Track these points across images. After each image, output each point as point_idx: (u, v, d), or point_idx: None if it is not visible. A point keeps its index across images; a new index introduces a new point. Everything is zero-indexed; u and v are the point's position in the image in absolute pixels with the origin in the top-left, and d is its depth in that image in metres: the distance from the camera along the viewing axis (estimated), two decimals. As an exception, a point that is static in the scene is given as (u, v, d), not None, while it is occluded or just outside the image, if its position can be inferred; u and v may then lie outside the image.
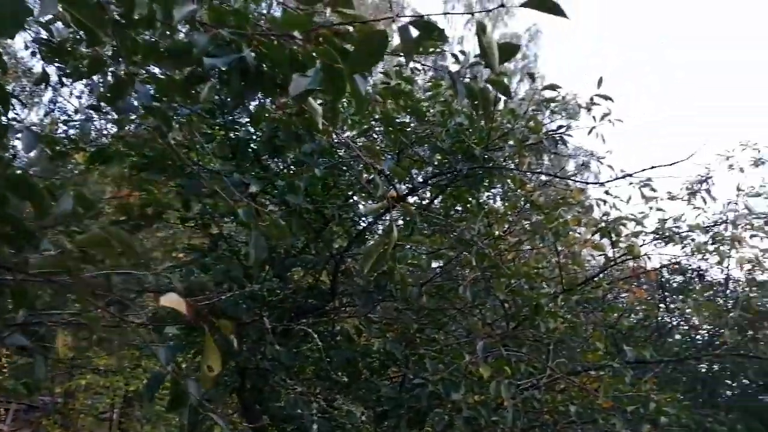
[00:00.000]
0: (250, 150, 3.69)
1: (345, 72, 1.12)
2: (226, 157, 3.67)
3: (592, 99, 3.44)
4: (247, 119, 3.36)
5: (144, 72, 1.86)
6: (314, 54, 1.26)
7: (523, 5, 1.05)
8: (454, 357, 3.38)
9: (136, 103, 1.75)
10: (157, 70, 2.28)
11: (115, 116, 2.61)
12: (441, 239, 4.09)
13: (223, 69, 1.44)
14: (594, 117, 3.50)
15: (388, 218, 1.91)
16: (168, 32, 1.59)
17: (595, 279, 4.75)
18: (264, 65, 1.48)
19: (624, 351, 4.33)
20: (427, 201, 4.27)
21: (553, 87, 3.10)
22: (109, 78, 2.03)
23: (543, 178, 3.99)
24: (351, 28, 1.32)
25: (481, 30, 1.12)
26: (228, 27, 1.39)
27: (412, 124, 3.60)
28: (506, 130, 3.17)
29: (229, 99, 3.22)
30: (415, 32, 1.08)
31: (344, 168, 3.86)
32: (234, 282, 3.68)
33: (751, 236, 5.50)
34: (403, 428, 3.24)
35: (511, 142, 3.22)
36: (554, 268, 4.60)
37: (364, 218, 4.18)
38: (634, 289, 5.34)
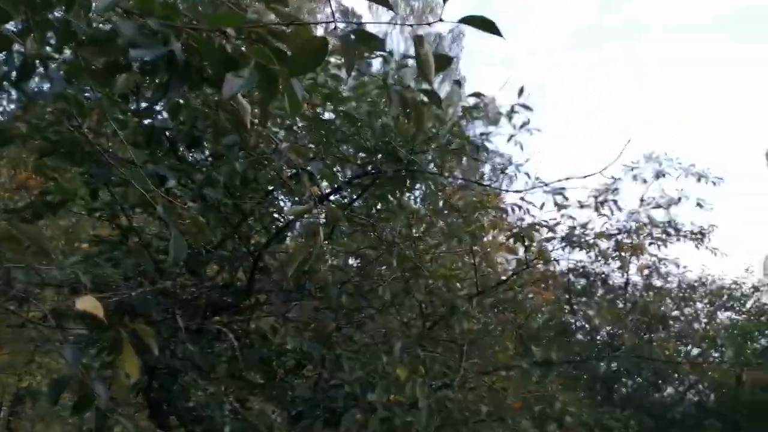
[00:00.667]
0: (165, 139, 3.53)
1: (282, 75, 1.09)
2: (140, 146, 3.49)
3: (512, 108, 3.56)
4: (165, 108, 3.22)
5: (58, 56, 1.73)
6: (248, 52, 1.22)
7: (460, 21, 1.07)
8: (371, 357, 3.39)
9: (47, 87, 1.63)
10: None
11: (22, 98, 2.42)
12: (362, 238, 4.10)
13: (148, 60, 1.37)
14: (514, 125, 3.62)
15: (313, 220, 1.89)
16: (87, 16, 1.50)
17: (508, 281, 4.92)
18: (193, 59, 1.42)
19: (531, 351, 4.52)
20: (348, 200, 4.27)
21: (477, 95, 3.19)
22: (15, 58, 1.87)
23: (463, 182, 4.09)
24: (286, 29, 1.29)
25: (418, 43, 1.12)
26: (156, 17, 1.32)
27: (337, 122, 3.58)
28: (431, 135, 3.22)
29: (147, 86, 3.07)
30: (354, 41, 1.07)
31: (265, 162, 3.78)
32: (145, 277, 3.52)
33: (650, 244, 5.90)
34: (318, 429, 3.22)
35: (435, 146, 3.28)
36: (470, 270, 4.73)
37: (285, 215, 4.12)
38: (542, 291, 5.58)
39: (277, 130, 3.55)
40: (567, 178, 3.22)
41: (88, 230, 5.62)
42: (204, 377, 3.65)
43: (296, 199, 3.75)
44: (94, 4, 1.51)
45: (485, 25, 1.09)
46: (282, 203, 4.42)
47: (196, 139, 3.40)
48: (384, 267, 4.08)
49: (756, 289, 12.19)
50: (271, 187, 4.06)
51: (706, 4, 35.92)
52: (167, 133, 3.52)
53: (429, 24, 1.19)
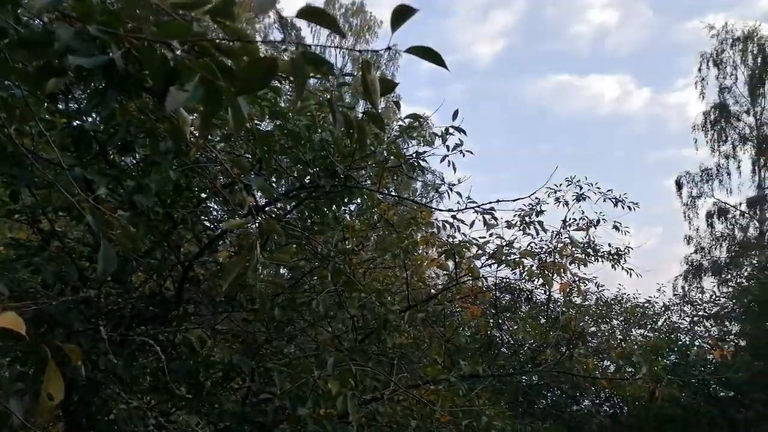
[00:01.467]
0: (95, 143, 3.41)
1: (228, 93, 1.09)
2: (67, 148, 3.35)
3: (447, 129, 3.66)
4: (98, 113, 3.11)
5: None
6: (193, 66, 1.22)
7: (407, 51, 1.11)
8: (302, 370, 3.38)
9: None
10: None
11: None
12: (297, 251, 4.09)
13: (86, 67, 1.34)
14: (448, 146, 3.73)
15: (250, 233, 1.88)
16: (16, 14, 1.45)
17: (438, 296, 5.03)
18: (133, 68, 1.40)
19: (459, 365, 4.62)
20: (284, 212, 4.24)
21: (415, 117, 3.27)
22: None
23: (398, 198, 4.16)
24: (234, 44, 1.29)
25: (365, 68, 1.16)
26: (96, 23, 1.30)
27: (276, 134, 3.56)
28: (369, 152, 3.26)
29: (78, 87, 2.97)
30: (304, 64, 1.09)
31: (199, 170, 3.71)
32: (66, 285, 3.38)
33: (571, 263, 6.17)
34: (246, 444, 3.17)
35: (372, 163, 3.32)
36: (402, 284, 4.80)
37: (218, 225, 4.05)
38: (470, 306, 5.73)
39: (216, 138, 3.50)
40: (497, 201, 3.35)
41: (5, 233, 5.32)
42: (127, 390, 3.52)
43: (230, 208, 3.69)
44: (25, 1, 1.47)
45: (430, 55, 1.14)
46: (216, 212, 4.35)
47: (128, 143, 3.30)
48: (317, 279, 4.07)
49: (666, 307, 12.96)
50: (204, 195, 3.98)
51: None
52: (97, 137, 3.40)
53: (377, 51, 1.22)
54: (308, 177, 3.52)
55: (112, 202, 3.62)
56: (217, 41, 1.32)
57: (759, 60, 22.38)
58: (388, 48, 1.06)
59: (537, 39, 39.91)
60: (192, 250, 3.97)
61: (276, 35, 23.33)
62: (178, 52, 1.31)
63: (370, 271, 4.91)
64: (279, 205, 4.21)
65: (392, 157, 3.36)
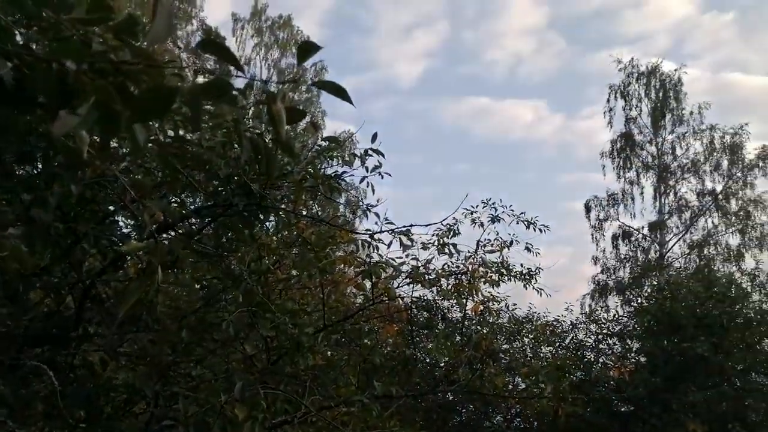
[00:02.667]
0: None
1: (125, 118, 1.05)
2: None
3: (366, 151, 3.70)
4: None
5: None
6: (88, 88, 1.16)
7: (314, 85, 1.11)
8: (209, 395, 3.27)
9: None
10: None
11: None
12: (208, 270, 3.97)
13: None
14: (367, 168, 3.76)
15: (151, 257, 1.81)
16: None
17: (355, 316, 5.02)
18: (26, 83, 1.32)
19: (373, 385, 4.62)
20: (197, 228, 4.11)
21: (332, 139, 3.27)
22: None
23: (312, 220, 4.14)
24: (134, 66, 1.25)
25: (270, 99, 1.14)
26: (-17, 37, 1.22)
27: (190, 148, 3.46)
28: (285, 171, 3.23)
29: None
30: (202, 92, 1.06)
31: (105, 183, 3.54)
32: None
33: (484, 283, 6.36)
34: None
35: (288, 183, 3.29)
36: (319, 304, 4.76)
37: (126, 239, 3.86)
38: (386, 326, 5.76)
39: (123, 150, 3.35)
40: (412, 225, 3.42)
41: None
42: (16, 418, 3.27)
43: (139, 223, 3.54)
44: None
45: (337, 91, 1.14)
46: (125, 227, 4.16)
47: (27, 154, 3.11)
48: (231, 297, 3.97)
49: (574, 326, 13.55)
50: (111, 208, 3.80)
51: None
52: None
53: (286, 82, 1.21)
54: (223, 194, 3.43)
55: (7, 215, 3.39)
56: (120, 61, 1.27)
57: (661, 94, 24.08)
58: (294, 81, 1.05)
59: (457, 62, 41.25)
60: (97, 267, 3.77)
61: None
62: (74, 72, 1.25)
63: (286, 290, 4.84)
64: (192, 220, 4.08)
65: (310, 178, 3.34)
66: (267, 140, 1.67)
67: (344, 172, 3.82)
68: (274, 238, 4.59)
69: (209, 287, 4.14)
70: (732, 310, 12.18)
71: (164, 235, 3.17)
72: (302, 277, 4.56)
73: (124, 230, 4.10)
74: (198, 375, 3.86)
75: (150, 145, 3.37)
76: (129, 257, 3.98)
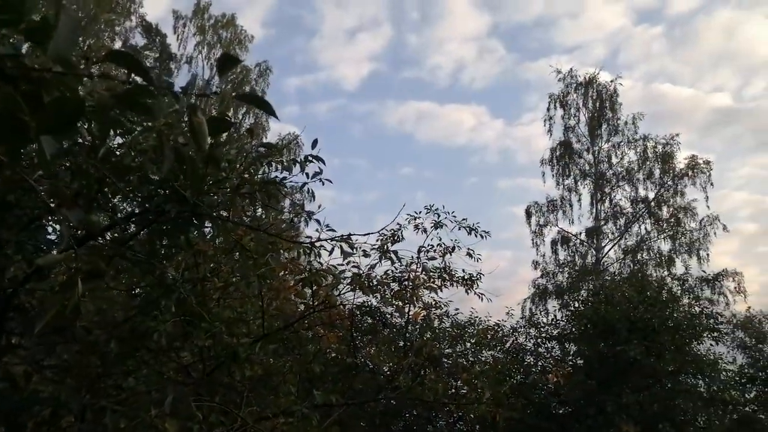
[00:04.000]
0: None
1: (32, 130, 0.99)
2: None
3: (306, 158, 3.65)
4: None
5: None
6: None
7: (237, 98, 1.08)
8: (139, 407, 3.15)
9: None
10: None
11: None
12: (141, 277, 3.83)
13: None
14: (307, 174, 3.72)
15: (71, 270, 1.73)
16: None
17: (295, 324, 4.95)
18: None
19: (313, 394, 4.57)
20: (129, 234, 3.97)
21: (268, 146, 3.22)
22: None
23: (248, 227, 4.06)
24: (45, 73, 1.18)
25: (192, 111, 1.10)
26: None
27: (120, 152, 3.33)
28: (220, 178, 3.16)
29: None
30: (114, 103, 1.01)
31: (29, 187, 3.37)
32: None
33: (425, 289, 6.40)
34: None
35: (224, 189, 3.22)
36: (257, 312, 4.67)
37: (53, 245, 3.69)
38: (327, 334, 5.71)
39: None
40: (349, 234, 3.41)
41: None
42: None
43: (70, 225, 3.39)
44: None
45: (260, 104, 1.11)
46: (51, 231, 3.97)
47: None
48: (164, 306, 3.84)
49: (514, 330, 13.84)
50: (37, 211, 3.62)
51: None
52: None
53: (206, 95, 1.18)
54: (155, 200, 3.32)
55: None
56: (30, 68, 1.20)
57: (597, 104, 24.97)
58: (215, 93, 1.02)
59: (400, 66, 41.64)
60: (20, 275, 3.58)
61: (138, 40, 22.08)
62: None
63: (224, 299, 4.73)
64: (124, 226, 3.93)
65: (247, 184, 3.28)
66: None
67: (284, 177, 3.77)
68: (212, 244, 4.48)
69: (143, 295, 4.00)
70: (663, 314, 12.69)
71: (91, 243, 3.03)
72: (239, 285, 4.47)
73: (51, 237, 3.93)
74: (129, 387, 3.72)
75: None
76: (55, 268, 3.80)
